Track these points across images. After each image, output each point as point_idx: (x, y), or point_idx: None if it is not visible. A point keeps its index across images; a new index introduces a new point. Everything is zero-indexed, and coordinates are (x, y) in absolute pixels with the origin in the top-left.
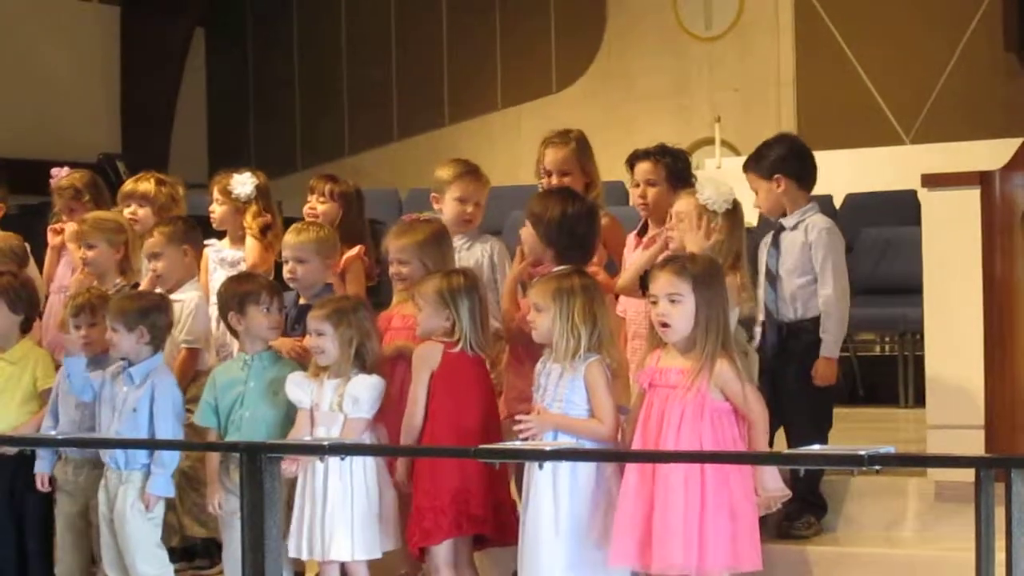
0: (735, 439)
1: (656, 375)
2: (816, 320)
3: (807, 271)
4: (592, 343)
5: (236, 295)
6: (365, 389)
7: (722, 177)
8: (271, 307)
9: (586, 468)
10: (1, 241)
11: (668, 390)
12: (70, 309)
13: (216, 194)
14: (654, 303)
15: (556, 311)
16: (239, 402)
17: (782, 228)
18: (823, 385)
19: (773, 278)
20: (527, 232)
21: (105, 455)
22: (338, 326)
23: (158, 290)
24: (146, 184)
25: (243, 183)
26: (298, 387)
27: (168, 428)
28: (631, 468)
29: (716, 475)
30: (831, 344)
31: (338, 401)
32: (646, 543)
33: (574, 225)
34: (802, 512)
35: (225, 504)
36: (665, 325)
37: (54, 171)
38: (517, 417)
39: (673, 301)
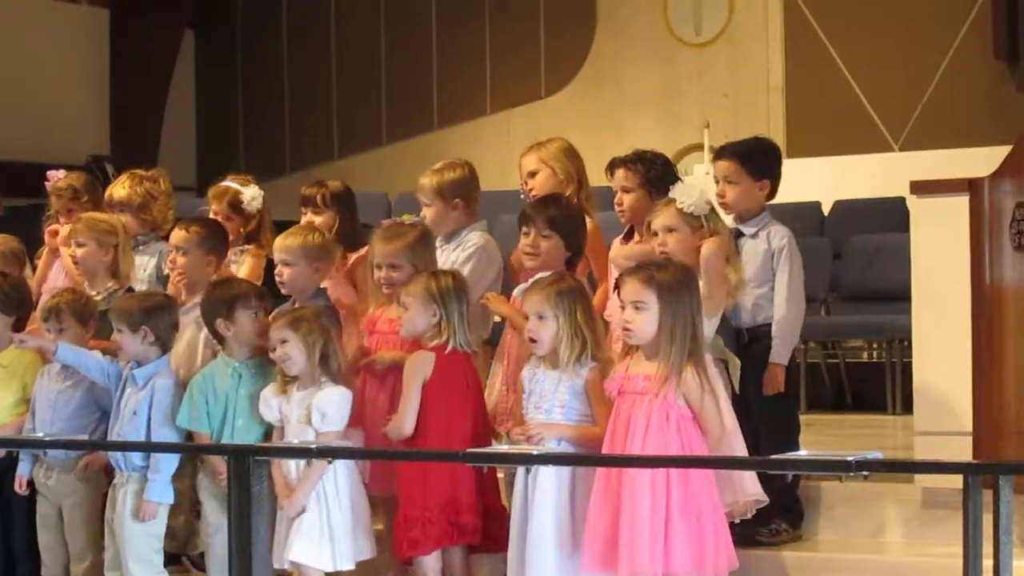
0: (701, 446)
1: (624, 382)
2: (769, 326)
3: (769, 279)
4: (593, 345)
5: (224, 300)
6: (331, 403)
7: (703, 182)
8: (259, 311)
9: (589, 472)
10: (2, 244)
11: (635, 396)
12: (41, 313)
13: (226, 209)
14: (622, 308)
15: (560, 316)
16: (232, 411)
17: (740, 234)
18: (773, 393)
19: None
20: (547, 244)
21: (111, 456)
22: (298, 330)
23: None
24: (120, 191)
25: (253, 197)
26: (266, 406)
27: (165, 432)
28: (599, 474)
29: (681, 481)
30: (782, 351)
31: (306, 414)
32: (613, 548)
33: (581, 220)
34: (771, 518)
35: (207, 510)
36: (628, 330)
37: (50, 174)
38: (529, 424)
39: (638, 308)
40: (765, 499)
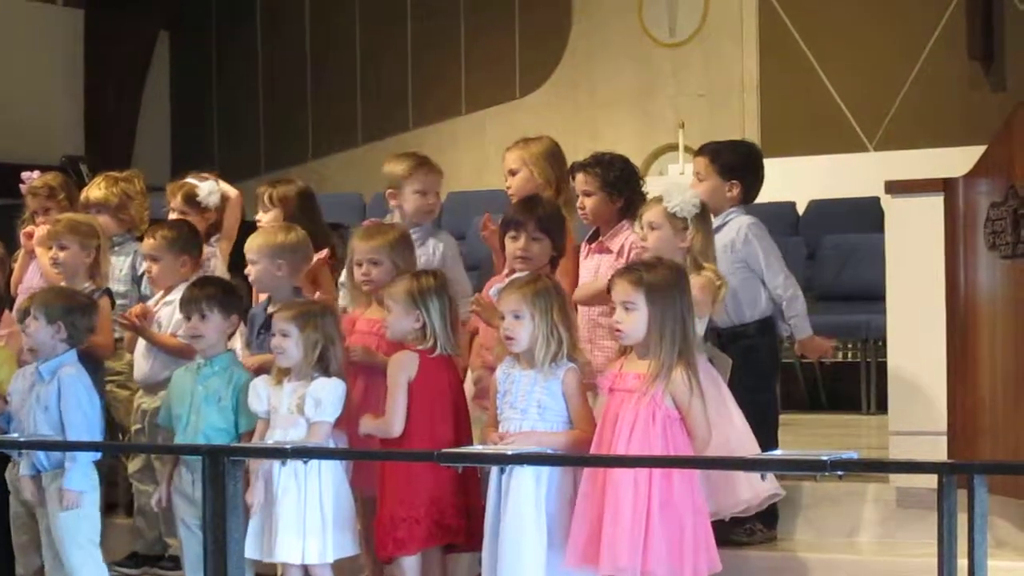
0: (686, 447)
1: (616, 379)
2: (752, 324)
3: (733, 271)
4: (569, 346)
5: (198, 299)
6: (327, 391)
7: (684, 182)
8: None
9: (566, 472)
10: None
11: (624, 394)
12: (16, 314)
13: (181, 204)
14: (614, 308)
15: (537, 316)
16: (189, 406)
17: None
18: (814, 359)
19: None
20: (538, 247)
21: (32, 459)
22: (303, 328)
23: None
24: (96, 192)
25: (210, 191)
26: (255, 395)
27: (77, 423)
28: (587, 472)
29: (663, 480)
30: (803, 326)
31: (297, 404)
32: (596, 544)
33: (563, 220)
34: (746, 518)
35: (180, 509)
36: (618, 331)
37: (25, 175)
38: (503, 433)
39: (627, 309)
40: (782, 492)
